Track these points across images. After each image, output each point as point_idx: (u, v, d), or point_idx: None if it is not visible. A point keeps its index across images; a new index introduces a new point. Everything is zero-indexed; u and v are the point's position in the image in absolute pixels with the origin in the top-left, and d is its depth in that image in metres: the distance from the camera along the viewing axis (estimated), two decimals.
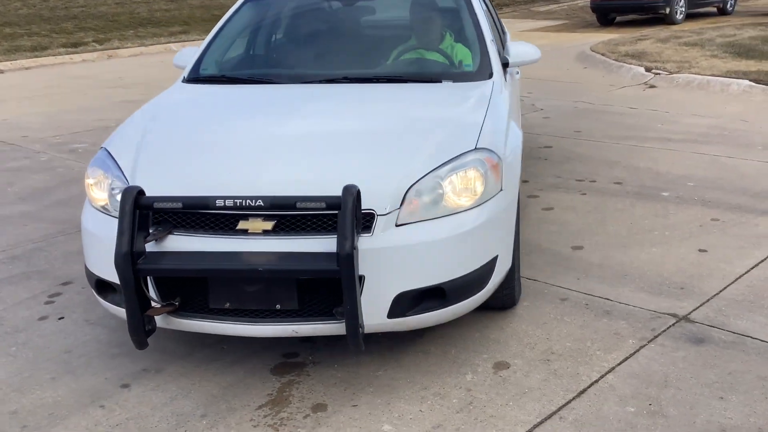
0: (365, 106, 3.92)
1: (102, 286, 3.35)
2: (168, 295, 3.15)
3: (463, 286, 3.21)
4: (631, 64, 11.27)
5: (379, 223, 3.06)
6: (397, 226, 3.09)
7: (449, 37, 4.58)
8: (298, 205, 2.93)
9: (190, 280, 3.13)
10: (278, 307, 3.08)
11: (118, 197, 3.28)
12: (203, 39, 4.67)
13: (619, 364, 3.44)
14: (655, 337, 3.66)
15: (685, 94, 9.71)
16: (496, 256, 3.37)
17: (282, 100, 4.03)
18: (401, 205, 3.11)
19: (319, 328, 3.11)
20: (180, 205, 2.98)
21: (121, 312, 3.32)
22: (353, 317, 2.91)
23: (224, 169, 3.28)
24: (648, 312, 3.90)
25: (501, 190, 3.40)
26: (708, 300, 4.01)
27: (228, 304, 3.10)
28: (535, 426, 3.02)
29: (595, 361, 3.46)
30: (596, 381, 3.31)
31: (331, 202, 2.91)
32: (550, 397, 3.20)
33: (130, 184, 3.28)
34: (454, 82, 4.19)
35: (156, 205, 3.00)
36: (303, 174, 3.21)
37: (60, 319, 4.07)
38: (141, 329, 3.04)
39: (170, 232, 3.12)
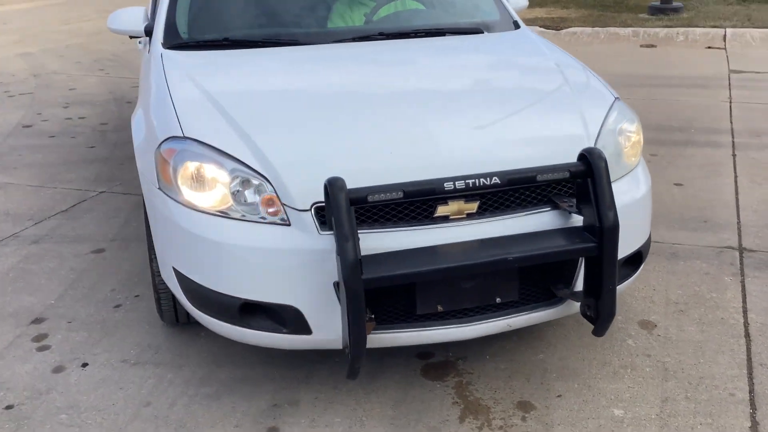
0: (449, 62, 3.45)
1: (246, 311, 2.60)
2: None
3: (648, 247, 3.00)
4: None
5: None
6: None
7: None
8: (539, 177, 2.49)
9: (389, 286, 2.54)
10: (498, 300, 2.62)
11: (247, 195, 2.58)
12: None
13: (744, 302, 3.45)
14: (742, 271, 3.73)
15: None
16: None
17: (349, 61, 3.40)
18: None
19: (536, 317, 2.71)
20: (401, 194, 2.39)
21: (271, 339, 2.65)
22: (612, 298, 2.56)
23: (392, 144, 2.69)
24: (708, 249, 3.97)
25: None
26: (740, 229, 4.18)
27: (440, 307, 2.57)
28: (750, 377, 2.93)
29: (723, 304, 3.45)
30: (746, 323, 3.30)
31: (576, 170, 2.52)
32: (728, 346, 3.13)
33: (269, 179, 2.57)
34: (488, 32, 3.85)
35: (371, 197, 2.37)
36: (483, 140, 2.75)
37: (84, 366, 3.13)
38: (363, 353, 2.42)
39: None
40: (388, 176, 2.50)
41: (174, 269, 2.78)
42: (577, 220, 2.63)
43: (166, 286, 3.01)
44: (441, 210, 2.55)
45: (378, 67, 3.34)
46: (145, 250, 4.09)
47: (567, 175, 2.51)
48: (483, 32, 3.80)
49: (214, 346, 3.21)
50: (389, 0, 4.03)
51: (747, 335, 3.20)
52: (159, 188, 2.80)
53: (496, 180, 2.45)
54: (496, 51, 3.63)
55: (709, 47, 9.18)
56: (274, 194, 2.56)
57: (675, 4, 10.51)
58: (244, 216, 2.59)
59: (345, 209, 2.29)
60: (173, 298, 3.11)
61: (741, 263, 3.80)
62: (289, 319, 2.55)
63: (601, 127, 2.89)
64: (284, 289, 2.53)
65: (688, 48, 9.23)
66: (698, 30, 9.46)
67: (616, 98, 3.12)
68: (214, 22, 3.76)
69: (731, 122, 6.12)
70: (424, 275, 2.40)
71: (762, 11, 10.30)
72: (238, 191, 2.61)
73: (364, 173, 2.51)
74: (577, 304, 2.72)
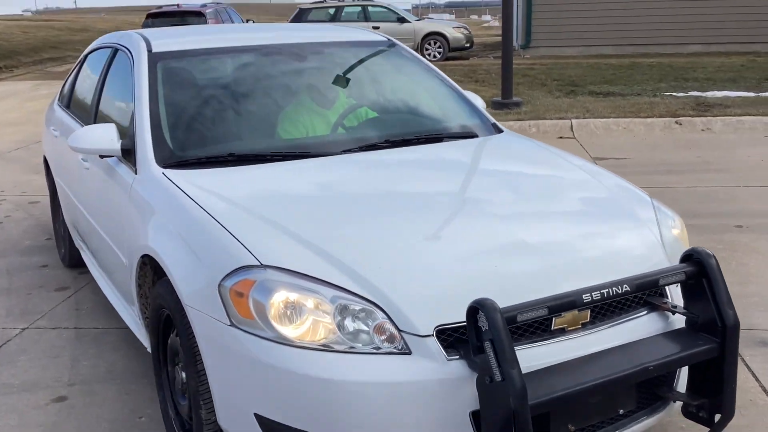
0: (477, 168, 3.41)
1: None
2: None
3: None
4: None
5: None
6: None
7: (426, 89, 4.19)
8: (661, 281, 2.49)
9: None
10: (621, 411, 2.54)
11: (348, 323, 2.38)
12: None
13: (758, 381, 3.59)
14: None
15: None
16: None
17: (383, 170, 3.26)
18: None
19: (646, 423, 2.65)
20: (546, 311, 2.28)
21: None
22: (733, 397, 2.56)
23: (491, 256, 2.58)
24: None
25: None
26: None
27: (572, 426, 2.44)
28: None
29: (740, 385, 3.52)
30: None
31: (690, 271, 2.53)
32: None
33: (380, 304, 2.37)
34: (480, 137, 3.85)
35: (520, 317, 2.24)
36: (572, 248, 2.72)
37: None
38: None
39: None
40: (504, 292, 2.39)
41: (257, 416, 2.44)
42: (675, 320, 2.63)
43: None
44: (558, 322, 2.46)
45: (416, 174, 3.24)
46: (118, 393, 3.65)
47: (683, 277, 2.52)
48: (477, 136, 3.80)
49: None
50: (350, 109, 3.91)
51: None
52: (232, 325, 2.47)
53: (626, 288, 2.42)
54: (513, 156, 3.63)
55: (561, 137, 9.81)
56: (387, 320, 2.35)
57: (515, 99, 11.20)
58: (352, 348, 2.35)
59: (504, 332, 2.15)
60: None
61: None
62: None
63: (659, 227, 2.95)
64: (411, 425, 2.30)
65: (542, 138, 9.74)
66: (547, 122, 10.11)
67: (650, 197, 3.20)
68: (204, 137, 3.49)
69: None
70: (581, 394, 2.27)
71: (594, 103, 11.21)
72: (339, 321, 2.37)
73: (481, 290, 2.36)
74: (676, 406, 2.69)
